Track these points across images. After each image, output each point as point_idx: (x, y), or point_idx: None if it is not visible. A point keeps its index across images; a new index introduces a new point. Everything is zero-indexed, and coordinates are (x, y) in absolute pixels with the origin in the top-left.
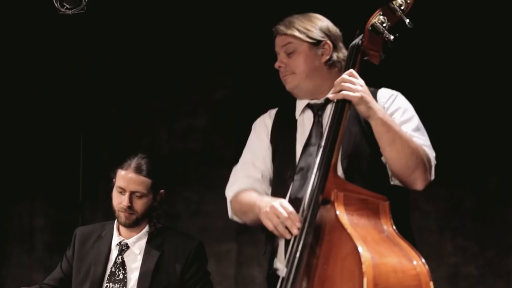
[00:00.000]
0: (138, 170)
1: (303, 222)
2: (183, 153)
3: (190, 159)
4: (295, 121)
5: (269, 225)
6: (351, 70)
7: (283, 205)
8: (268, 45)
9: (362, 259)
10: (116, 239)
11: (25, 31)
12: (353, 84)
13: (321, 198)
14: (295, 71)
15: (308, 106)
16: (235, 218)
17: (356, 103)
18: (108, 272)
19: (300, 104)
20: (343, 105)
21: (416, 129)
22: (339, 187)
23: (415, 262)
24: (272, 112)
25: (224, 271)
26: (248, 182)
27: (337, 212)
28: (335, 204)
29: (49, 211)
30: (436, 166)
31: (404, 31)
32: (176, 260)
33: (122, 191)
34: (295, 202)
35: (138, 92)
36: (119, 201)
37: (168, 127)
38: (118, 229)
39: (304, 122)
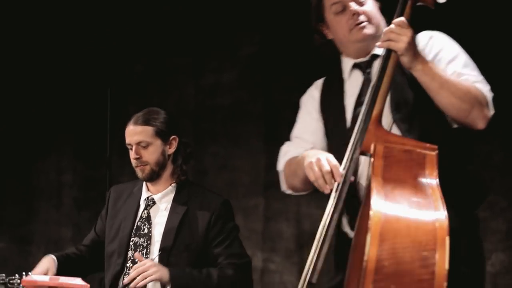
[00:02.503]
0: (137, 121)
1: (342, 177)
2: (210, 108)
3: (217, 114)
4: (343, 84)
5: (310, 176)
6: (401, 19)
7: (328, 159)
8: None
9: (371, 214)
10: (144, 194)
11: None
12: (398, 34)
13: (360, 151)
14: (371, 19)
15: (355, 65)
16: (289, 191)
17: (400, 54)
18: (135, 227)
19: (347, 65)
20: (389, 55)
21: (465, 66)
22: (380, 139)
23: (436, 217)
24: (319, 82)
25: (251, 226)
26: (299, 152)
27: (372, 165)
28: (373, 157)
29: (77, 167)
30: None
31: None
32: (200, 218)
33: (130, 146)
34: None
35: (165, 47)
36: (131, 157)
37: (195, 82)
38: (147, 185)
39: (353, 82)
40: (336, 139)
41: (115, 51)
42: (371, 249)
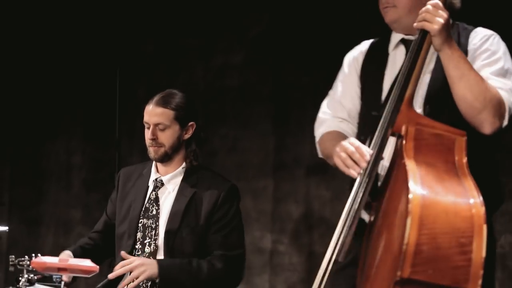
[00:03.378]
0: (158, 103)
1: (371, 156)
2: (219, 89)
3: (226, 95)
4: (387, 56)
5: (338, 163)
6: (436, 1)
7: (350, 142)
8: None
9: (410, 198)
10: (153, 176)
11: None
12: (433, 15)
13: (390, 131)
14: (397, 4)
15: (402, 41)
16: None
17: (432, 35)
18: (143, 208)
19: (395, 38)
20: (424, 35)
21: (498, 73)
22: (412, 121)
23: (472, 203)
24: (364, 46)
25: (260, 207)
26: (335, 124)
27: (404, 148)
28: (404, 139)
29: (86, 148)
30: None
31: None
32: (207, 201)
33: (147, 125)
34: None
35: (174, 28)
36: (146, 136)
37: (204, 64)
38: (156, 166)
39: (396, 57)
40: (368, 108)
41: (124, 32)
42: (411, 233)
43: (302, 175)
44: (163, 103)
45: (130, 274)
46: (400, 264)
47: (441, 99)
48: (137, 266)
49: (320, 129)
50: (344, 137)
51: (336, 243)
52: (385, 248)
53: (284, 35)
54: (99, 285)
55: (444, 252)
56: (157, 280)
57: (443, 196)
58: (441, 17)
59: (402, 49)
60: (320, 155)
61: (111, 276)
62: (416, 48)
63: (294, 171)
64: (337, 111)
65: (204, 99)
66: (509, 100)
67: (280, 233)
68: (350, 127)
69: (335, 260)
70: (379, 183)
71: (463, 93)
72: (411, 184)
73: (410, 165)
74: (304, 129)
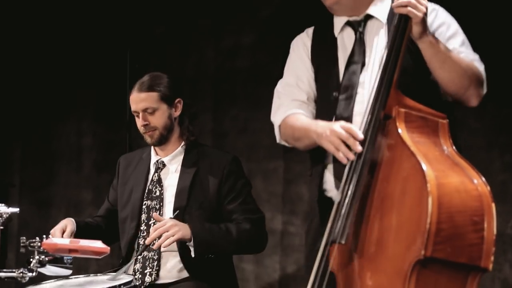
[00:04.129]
0: (141, 88)
1: (364, 140)
2: (230, 71)
3: (237, 77)
4: (335, 39)
5: (330, 148)
6: None
7: (343, 126)
8: None
9: (427, 178)
10: (154, 158)
11: None
12: (419, 3)
13: (383, 114)
14: None
15: (348, 23)
16: (284, 143)
17: (414, 22)
18: (146, 190)
19: (338, 22)
20: (406, 21)
21: (462, 44)
22: (401, 104)
23: (476, 182)
24: (309, 31)
25: (271, 188)
26: (295, 106)
27: (399, 130)
28: (397, 121)
29: (97, 130)
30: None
31: None
32: (212, 175)
33: (136, 113)
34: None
35: (185, 9)
36: (138, 124)
37: (215, 45)
38: (155, 150)
39: (344, 40)
40: (326, 90)
41: (135, 14)
42: (433, 213)
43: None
44: (146, 87)
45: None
46: (423, 243)
47: (407, 82)
48: (171, 226)
49: (279, 113)
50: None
51: (333, 226)
52: (393, 230)
53: (295, 15)
54: (138, 252)
55: (460, 230)
56: (190, 241)
57: (450, 176)
58: (424, 5)
59: (349, 31)
60: (279, 141)
61: (148, 241)
62: (400, 33)
63: (305, 152)
64: (295, 94)
65: (214, 80)
66: (481, 67)
67: (290, 215)
68: (309, 110)
69: (338, 243)
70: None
71: (449, 75)
72: (424, 165)
73: (413, 146)
74: None
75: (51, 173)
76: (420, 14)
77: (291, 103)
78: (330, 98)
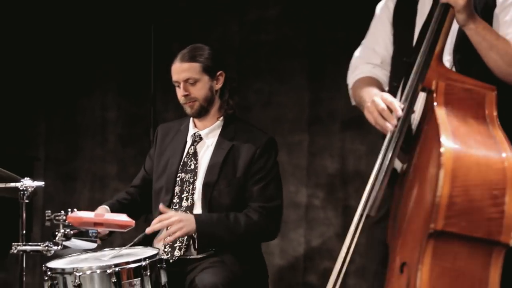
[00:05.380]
0: (183, 58)
1: (403, 112)
2: (254, 44)
3: (261, 50)
4: (416, 4)
5: (370, 119)
6: None
7: (383, 97)
8: None
9: (442, 150)
10: (191, 130)
11: None
12: None
13: (421, 87)
14: None
15: None
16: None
17: (456, 10)
18: (182, 163)
19: None
20: (446, 10)
21: None
22: (442, 76)
23: (504, 157)
24: None
25: (296, 162)
26: (368, 69)
27: (434, 103)
28: (435, 94)
29: (121, 104)
30: None
31: None
32: (244, 154)
33: (177, 83)
34: None
35: None
36: (179, 94)
37: (239, 18)
38: (194, 121)
39: (425, 5)
40: (400, 54)
41: None
42: (444, 186)
43: (337, 130)
44: (188, 58)
45: (167, 229)
46: (434, 216)
47: (470, 46)
48: (175, 222)
49: (353, 76)
50: (377, 82)
51: (368, 198)
52: (417, 202)
53: None
54: (135, 239)
55: (477, 204)
56: (195, 235)
57: (474, 149)
58: None
59: None
60: (353, 103)
61: (148, 230)
62: (440, 21)
63: (329, 125)
64: (370, 57)
65: (239, 54)
66: None
67: (315, 188)
68: (383, 73)
69: (367, 215)
70: (411, 137)
71: (494, 60)
72: (443, 138)
73: (441, 119)
74: (339, 83)
75: (76, 147)
76: (461, 2)
77: (365, 66)
78: (401, 63)
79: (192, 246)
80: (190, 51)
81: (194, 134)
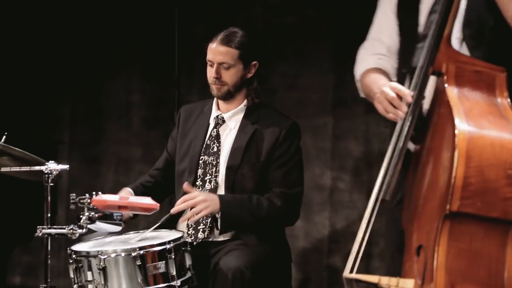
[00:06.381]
0: (223, 41)
1: (413, 98)
2: (279, 27)
3: (286, 33)
4: None
5: (380, 109)
6: None
7: (391, 86)
8: None
9: (456, 132)
10: (214, 113)
11: None
12: None
13: (431, 70)
14: None
15: None
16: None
17: None
18: (204, 145)
19: None
20: None
21: None
22: (452, 59)
23: None
24: None
25: (320, 144)
26: (374, 60)
27: (445, 85)
28: (445, 77)
29: (146, 87)
30: None
31: None
32: (268, 138)
33: (211, 63)
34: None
35: None
36: (209, 74)
37: (264, 1)
38: (217, 104)
39: None
40: (407, 41)
41: None
42: (459, 167)
43: (361, 112)
44: (228, 42)
45: (191, 209)
46: (449, 197)
47: (477, 31)
48: (199, 201)
49: (359, 68)
50: (384, 73)
51: (382, 183)
52: (431, 184)
53: None
54: (161, 220)
55: (492, 184)
56: (218, 215)
57: (488, 130)
58: None
59: None
60: (361, 95)
61: (173, 211)
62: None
63: (354, 108)
64: (375, 47)
65: (263, 36)
66: None
67: (339, 170)
68: (389, 63)
69: (382, 199)
70: (422, 120)
71: None
72: (456, 119)
73: (454, 101)
74: None
75: (100, 130)
76: None
77: (371, 57)
78: (409, 49)
79: (215, 227)
80: (231, 35)
81: (217, 116)
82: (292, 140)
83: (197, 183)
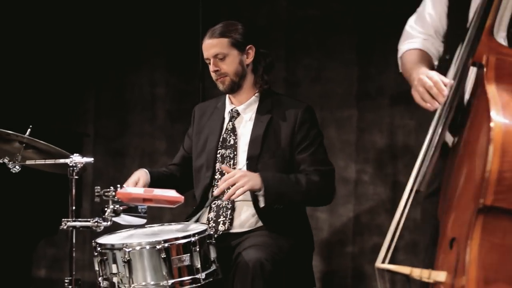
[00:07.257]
0: (211, 35)
1: (451, 88)
2: (303, 19)
3: (310, 25)
4: None
5: (416, 98)
6: None
7: (429, 76)
8: None
9: (492, 125)
10: (228, 107)
11: None
12: None
13: (471, 61)
14: None
15: None
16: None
17: None
18: (221, 139)
19: None
20: None
21: None
22: (493, 51)
23: None
24: None
25: (345, 137)
26: (419, 41)
27: (485, 77)
28: (485, 68)
29: (170, 80)
30: None
31: None
32: (285, 125)
33: (208, 61)
34: None
35: None
36: (211, 72)
37: None
38: (230, 98)
39: None
40: (455, 27)
41: None
42: (494, 160)
43: (386, 105)
44: (217, 34)
45: (229, 189)
46: (483, 191)
47: None
48: (240, 177)
49: (404, 45)
50: (427, 56)
51: (418, 173)
52: (467, 177)
53: None
54: (206, 204)
55: None
56: (260, 191)
57: None
58: None
59: None
60: (400, 70)
61: (217, 192)
62: None
63: (378, 100)
64: (424, 27)
65: (287, 29)
66: None
67: (364, 163)
68: (435, 46)
69: (416, 190)
70: (462, 111)
71: None
72: (493, 112)
73: (492, 93)
74: (388, 58)
75: (124, 123)
76: None
77: (417, 37)
78: (456, 37)
79: (259, 202)
80: (218, 27)
81: (232, 110)
82: (310, 123)
83: (216, 177)
